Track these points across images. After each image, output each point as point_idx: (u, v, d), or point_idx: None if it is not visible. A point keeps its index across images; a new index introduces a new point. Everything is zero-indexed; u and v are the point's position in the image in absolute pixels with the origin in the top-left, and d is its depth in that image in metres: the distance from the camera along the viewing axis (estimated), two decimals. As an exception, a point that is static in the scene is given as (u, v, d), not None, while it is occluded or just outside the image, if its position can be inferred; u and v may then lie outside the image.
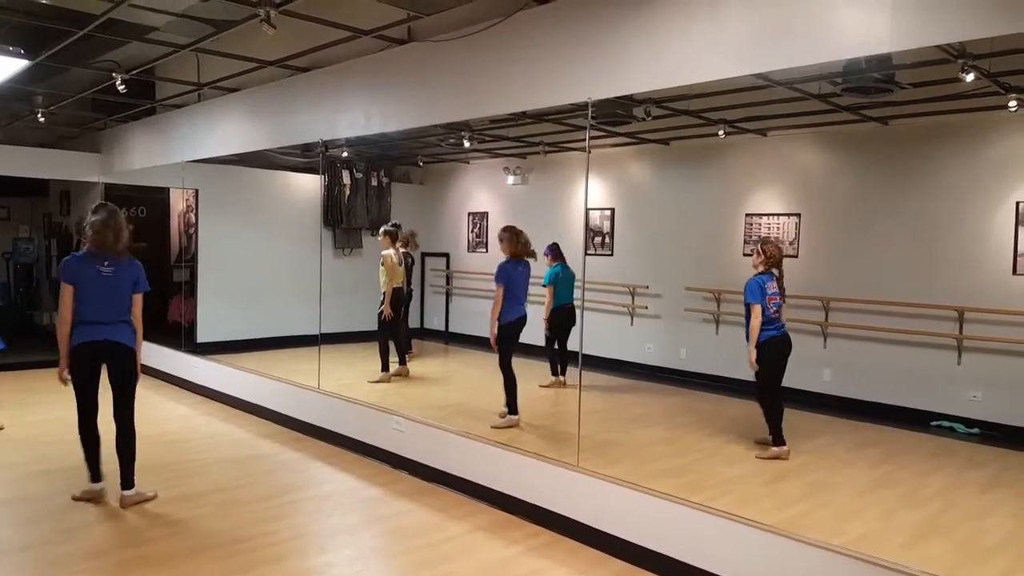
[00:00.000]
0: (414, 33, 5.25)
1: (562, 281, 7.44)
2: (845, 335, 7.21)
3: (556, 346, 7.60)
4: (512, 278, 5.98)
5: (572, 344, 7.48)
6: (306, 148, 8.29)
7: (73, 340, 4.22)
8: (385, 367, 7.58)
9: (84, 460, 4.39)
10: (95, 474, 4.41)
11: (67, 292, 4.20)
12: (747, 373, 7.72)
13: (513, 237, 6.10)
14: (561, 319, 7.39)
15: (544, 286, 7.48)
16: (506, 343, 5.99)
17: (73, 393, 4.29)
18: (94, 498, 4.40)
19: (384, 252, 7.56)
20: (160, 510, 4.33)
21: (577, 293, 7.53)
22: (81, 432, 4.34)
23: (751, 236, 7.88)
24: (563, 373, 7.59)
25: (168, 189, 10.15)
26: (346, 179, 10.52)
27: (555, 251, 7.60)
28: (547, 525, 4.21)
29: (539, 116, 6.74)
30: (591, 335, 7.81)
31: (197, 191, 9.33)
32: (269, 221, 9.94)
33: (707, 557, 3.52)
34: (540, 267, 7.29)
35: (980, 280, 6.39)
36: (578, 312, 7.35)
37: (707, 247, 8.24)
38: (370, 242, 10.95)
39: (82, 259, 4.28)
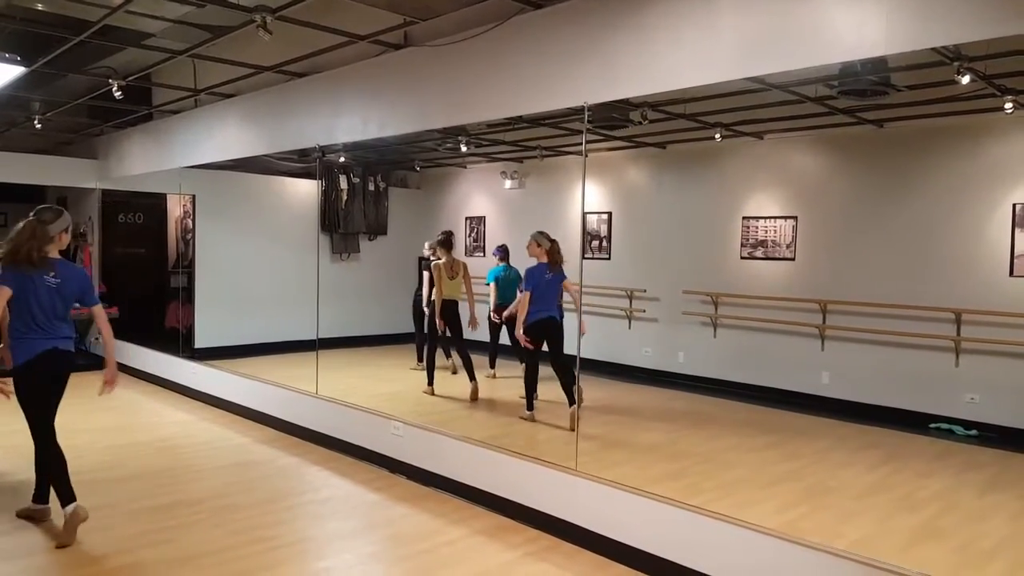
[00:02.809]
0: (410, 38, 5.26)
1: (504, 281, 7.61)
2: (843, 338, 7.21)
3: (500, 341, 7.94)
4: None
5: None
6: (303, 153, 8.29)
7: (23, 353, 3.85)
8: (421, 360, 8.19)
9: (55, 486, 3.94)
10: (69, 493, 3.91)
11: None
12: (745, 376, 7.83)
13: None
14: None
15: (487, 284, 7.68)
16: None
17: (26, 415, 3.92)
18: (75, 516, 3.87)
19: (435, 262, 7.44)
20: (155, 516, 4.31)
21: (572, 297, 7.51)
22: (44, 457, 3.93)
23: (748, 239, 7.89)
24: (492, 366, 8.20)
25: (165, 195, 10.17)
26: (343, 184, 10.53)
27: (503, 252, 7.81)
28: (546, 529, 4.20)
29: (536, 120, 6.75)
30: (589, 339, 7.81)
31: (194, 196, 9.32)
32: (266, 226, 9.93)
33: (708, 561, 3.51)
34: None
35: (977, 282, 6.40)
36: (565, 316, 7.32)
37: (704, 250, 8.24)
38: (367, 247, 10.97)
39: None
